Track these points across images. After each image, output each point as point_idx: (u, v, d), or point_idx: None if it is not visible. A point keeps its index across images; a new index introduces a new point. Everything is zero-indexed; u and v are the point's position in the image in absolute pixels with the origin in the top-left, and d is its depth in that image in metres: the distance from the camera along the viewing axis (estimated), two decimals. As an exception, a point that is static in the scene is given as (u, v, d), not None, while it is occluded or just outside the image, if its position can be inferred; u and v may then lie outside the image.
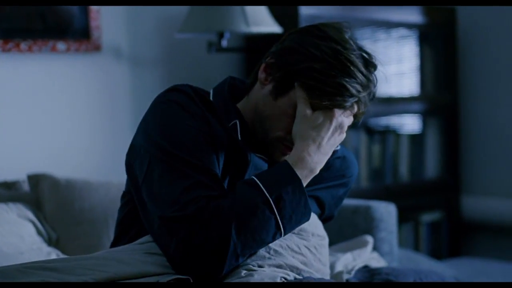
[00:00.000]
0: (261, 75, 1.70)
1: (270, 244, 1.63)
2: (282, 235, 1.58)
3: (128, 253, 1.61)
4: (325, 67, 1.61)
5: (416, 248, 3.70)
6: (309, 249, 1.73)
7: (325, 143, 1.62)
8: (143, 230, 1.67)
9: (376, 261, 2.13)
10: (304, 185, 1.59)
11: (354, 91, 1.62)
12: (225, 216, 1.51)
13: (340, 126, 1.64)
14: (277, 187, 1.55)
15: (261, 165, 1.71)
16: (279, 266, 1.64)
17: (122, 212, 1.81)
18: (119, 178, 2.40)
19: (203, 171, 1.57)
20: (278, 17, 3.06)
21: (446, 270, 2.92)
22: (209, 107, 1.68)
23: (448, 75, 3.83)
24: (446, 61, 3.83)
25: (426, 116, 3.83)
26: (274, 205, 1.54)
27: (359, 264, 2.03)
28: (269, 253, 1.63)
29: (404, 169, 3.70)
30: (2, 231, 2.22)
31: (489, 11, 3.83)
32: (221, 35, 2.96)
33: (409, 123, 3.83)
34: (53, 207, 2.39)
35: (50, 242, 2.35)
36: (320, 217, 1.91)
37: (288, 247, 1.68)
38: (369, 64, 1.65)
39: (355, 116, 1.68)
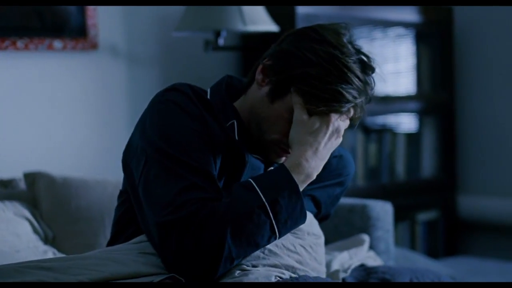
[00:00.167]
0: (258, 76, 1.70)
1: (265, 244, 1.63)
2: (277, 238, 1.58)
3: (123, 253, 1.61)
4: (321, 73, 1.60)
5: (413, 247, 3.70)
6: (304, 248, 1.73)
7: (322, 148, 1.62)
8: (140, 229, 1.67)
9: (373, 260, 2.13)
10: (301, 190, 1.59)
11: (350, 97, 1.61)
12: (220, 219, 1.51)
13: (336, 130, 1.64)
14: (274, 192, 1.55)
15: (257, 165, 1.71)
16: (274, 266, 1.63)
17: (119, 211, 1.81)
18: (115, 176, 2.40)
19: (199, 172, 1.57)
20: (275, 16, 3.06)
21: (442, 269, 2.92)
22: (207, 107, 1.68)
23: (444, 74, 3.84)
24: (442, 60, 3.83)
25: (422, 115, 3.83)
26: (270, 209, 1.54)
27: (356, 262, 2.03)
28: (263, 253, 1.63)
29: (400, 168, 3.70)
30: (-1, 230, 2.22)
31: (486, 10, 3.84)
32: (218, 34, 2.96)
33: (406, 122, 3.83)
34: (49, 205, 2.39)
35: (46, 240, 2.35)
36: (316, 216, 1.91)
37: (284, 246, 1.68)
38: (367, 67, 1.65)
39: (351, 119, 1.68)
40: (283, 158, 1.71)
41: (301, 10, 3.17)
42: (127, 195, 1.74)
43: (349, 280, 1.87)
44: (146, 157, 1.61)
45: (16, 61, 2.77)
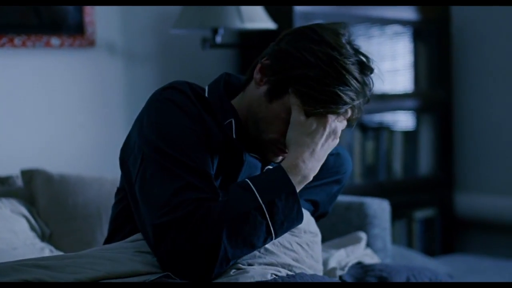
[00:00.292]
0: (257, 75, 1.69)
1: (262, 243, 1.63)
2: (273, 239, 1.59)
3: (119, 252, 1.61)
4: (319, 75, 1.60)
5: (410, 244, 3.71)
6: (301, 245, 1.73)
7: (319, 149, 1.62)
8: (137, 227, 1.67)
9: (370, 258, 2.13)
10: (297, 191, 1.59)
11: (348, 99, 1.61)
12: (216, 220, 1.51)
13: (333, 131, 1.64)
14: (271, 193, 1.55)
15: (254, 164, 1.71)
16: (270, 264, 1.63)
17: (116, 209, 1.81)
18: (112, 173, 2.40)
19: (195, 172, 1.57)
20: (272, 13, 3.05)
21: (439, 266, 2.92)
22: (205, 105, 1.67)
23: (442, 72, 3.84)
24: (440, 58, 3.83)
25: (419, 113, 3.84)
26: (267, 210, 1.54)
27: (353, 260, 2.03)
28: (259, 251, 1.63)
29: (397, 165, 3.71)
30: (-4, 227, 2.22)
31: (483, 9, 3.83)
32: (215, 31, 2.96)
33: (403, 120, 3.83)
34: (46, 202, 2.39)
35: (43, 237, 2.34)
36: (314, 214, 1.91)
37: (280, 244, 1.68)
38: (366, 68, 1.64)
39: (349, 120, 1.68)
40: (280, 157, 1.71)
41: (299, 8, 3.17)
42: (124, 192, 1.74)
43: (346, 277, 1.87)
44: (143, 155, 1.61)
45: (13, 58, 2.77)
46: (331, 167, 1.86)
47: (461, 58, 3.93)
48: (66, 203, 2.38)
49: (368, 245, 2.40)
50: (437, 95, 3.84)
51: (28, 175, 2.45)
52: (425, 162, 3.83)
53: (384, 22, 3.60)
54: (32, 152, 2.80)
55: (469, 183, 3.96)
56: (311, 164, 1.61)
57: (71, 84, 2.92)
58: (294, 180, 1.58)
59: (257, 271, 1.58)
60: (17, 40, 2.73)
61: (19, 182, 2.49)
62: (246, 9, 2.87)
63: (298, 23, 3.10)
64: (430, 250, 3.77)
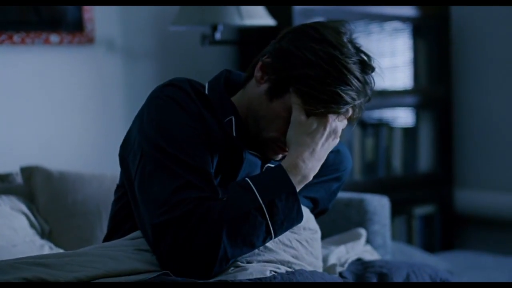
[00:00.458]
0: (257, 73, 1.68)
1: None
2: (273, 239, 1.59)
3: (119, 250, 1.60)
4: (320, 74, 1.59)
5: (409, 241, 3.71)
6: (300, 242, 1.73)
7: (319, 149, 1.62)
8: (137, 225, 1.67)
9: (370, 254, 2.13)
10: (297, 191, 1.59)
11: (349, 99, 1.61)
12: (216, 219, 1.51)
13: (334, 131, 1.64)
14: (271, 193, 1.55)
15: (254, 161, 1.71)
16: (269, 262, 1.63)
17: (115, 206, 1.80)
18: (112, 170, 2.40)
19: (195, 170, 1.56)
20: (271, 10, 3.05)
21: (439, 263, 2.93)
22: (205, 103, 1.67)
23: (441, 69, 3.84)
24: (439, 54, 3.83)
25: (419, 109, 3.83)
26: (267, 210, 1.53)
27: (352, 257, 2.03)
28: (258, 249, 1.63)
29: (397, 162, 3.71)
30: (-5, 224, 2.22)
31: (483, 5, 3.83)
32: (214, 28, 2.95)
33: (403, 116, 3.83)
34: (46, 199, 2.39)
35: (43, 234, 2.34)
36: (313, 211, 1.90)
37: (279, 241, 1.68)
38: (367, 67, 1.64)
39: (349, 119, 1.68)
40: (280, 155, 1.71)
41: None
42: (124, 189, 1.74)
43: (346, 274, 1.87)
44: (142, 151, 1.60)
45: (12, 55, 2.76)
46: (331, 165, 1.86)
47: (460, 54, 3.93)
48: (65, 200, 2.38)
49: (368, 241, 2.40)
50: (437, 92, 3.83)
51: (28, 172, 2.45)
52: (424, 159, 3.83)
53: (384, 18, 3.59)
54: (32, 149, 2.80)
55: (469, 180, 3.96)
56: (311, 164, 1.61)
57: (71, 81, 2.91)
58: (294, 179, 1.58)
59: (255, 268, 1.58)
60: (16, 37, 2.73)
61: (19, 179, 2.49)
62: (245, 6, 2.87)
63: (297, 19, 3.10)
64: (430, 247, 3.77)
